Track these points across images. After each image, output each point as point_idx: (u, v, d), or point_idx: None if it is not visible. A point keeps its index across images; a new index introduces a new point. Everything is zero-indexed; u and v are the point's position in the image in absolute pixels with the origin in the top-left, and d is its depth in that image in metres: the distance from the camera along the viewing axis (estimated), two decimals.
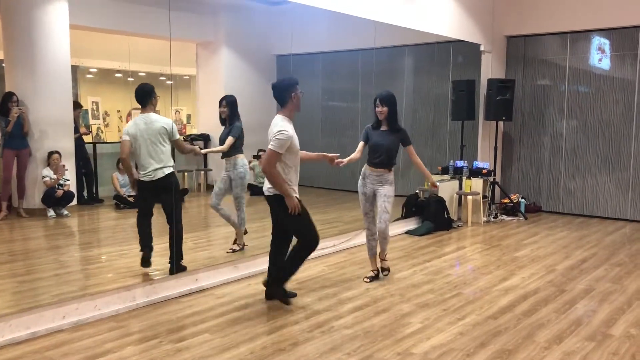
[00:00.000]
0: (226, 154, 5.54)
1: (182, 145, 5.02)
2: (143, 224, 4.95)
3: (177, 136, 4.86)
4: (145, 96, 4.79)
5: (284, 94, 4.17)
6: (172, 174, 4.85)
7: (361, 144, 5.03)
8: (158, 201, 4.91)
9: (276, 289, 4.42)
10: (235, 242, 5.73)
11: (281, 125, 4.08)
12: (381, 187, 4.96)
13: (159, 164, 4.75)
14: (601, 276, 5.30)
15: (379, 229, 5.00)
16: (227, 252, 5.60)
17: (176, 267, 4.76)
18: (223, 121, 5.61)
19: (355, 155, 4.99)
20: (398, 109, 5.00)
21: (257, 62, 10.13)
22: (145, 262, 4.90)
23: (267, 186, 4.25)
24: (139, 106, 4.80)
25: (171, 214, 4.83)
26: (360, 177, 5.08)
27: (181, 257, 4.89)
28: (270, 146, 4.06)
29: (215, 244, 5.60)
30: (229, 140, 5.44)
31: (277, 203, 4.21)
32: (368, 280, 5.04)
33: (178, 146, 4.94)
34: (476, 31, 8.32)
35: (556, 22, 8.36)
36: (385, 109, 4.90)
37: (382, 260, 5.22)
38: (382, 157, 4.92)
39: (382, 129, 4.98)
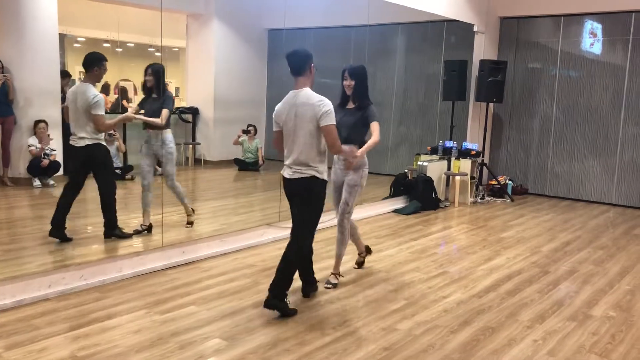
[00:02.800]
0: (153, 127, 5.20)
1: (98, 122, 4.75)
2: (67, 194, 4.89)
3: (98, 112, 4.70)
4: (90, 63, 4.80)
5: (304, 63, 3.69)
6: (94, 145, 4.79)
7: None
8: (86, 172, 4.94)
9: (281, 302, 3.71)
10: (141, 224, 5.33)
11: (320, 97, 3.66)
12: (347, 175, 4.37)
13: (82, 133, 4.77)
14: (584, 258, 5.38)
15: (337, 222, 4.43)
16: (132, 233, 5.16)
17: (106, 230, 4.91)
18: (148, 90, 5.27)
19: None
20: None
21: (248, 35, 9.98)
22: (55, 233, 4.79)
23: (295, 167, 3.65)
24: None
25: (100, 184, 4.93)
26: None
27: (114, 225, 4.94)
28: (329, 122, 3.59)
29: (202, 218, 5.58)
30: (165, 112, 5.10)
31: (310, 187, 3.67)
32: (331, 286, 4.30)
33: (94, 122, 4.75)
34: (470, 11, 8.26)
35: (550, 4, 8.33)
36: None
37: (334, 274, 4.39)
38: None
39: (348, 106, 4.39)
